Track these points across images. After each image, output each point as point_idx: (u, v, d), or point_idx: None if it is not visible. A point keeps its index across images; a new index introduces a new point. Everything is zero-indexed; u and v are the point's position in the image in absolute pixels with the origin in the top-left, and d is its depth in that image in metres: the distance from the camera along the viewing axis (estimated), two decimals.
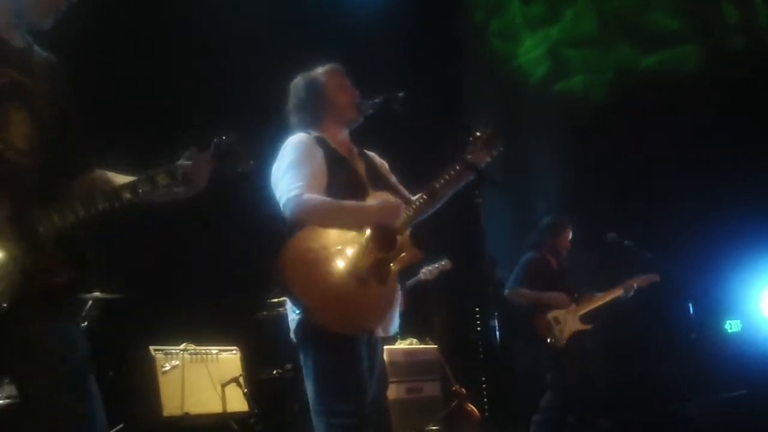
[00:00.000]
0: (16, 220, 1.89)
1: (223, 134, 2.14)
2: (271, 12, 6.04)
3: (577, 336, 5.30)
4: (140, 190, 2.04)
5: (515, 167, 6.98)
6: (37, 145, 2.00)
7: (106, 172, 2.23)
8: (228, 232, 5.60)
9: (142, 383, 4.82)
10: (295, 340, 2.79)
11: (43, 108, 2.04)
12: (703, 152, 6.78)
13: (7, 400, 3.88)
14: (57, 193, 2.04)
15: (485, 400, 6.44)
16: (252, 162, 2.18)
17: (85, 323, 4.62)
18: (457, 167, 2.90)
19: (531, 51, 8.25)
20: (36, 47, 2.14)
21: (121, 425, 4.50)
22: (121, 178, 2.18)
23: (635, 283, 5.50)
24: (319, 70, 3.05)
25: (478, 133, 2.96)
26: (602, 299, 5.47)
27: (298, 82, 3.06)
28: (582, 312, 5.37)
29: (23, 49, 2.08)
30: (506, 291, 5.45)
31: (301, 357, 2.78)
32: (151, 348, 4.88)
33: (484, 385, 6.54)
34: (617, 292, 5.49)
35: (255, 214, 2.87)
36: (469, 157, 2.93)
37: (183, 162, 2.09)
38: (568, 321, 5.29)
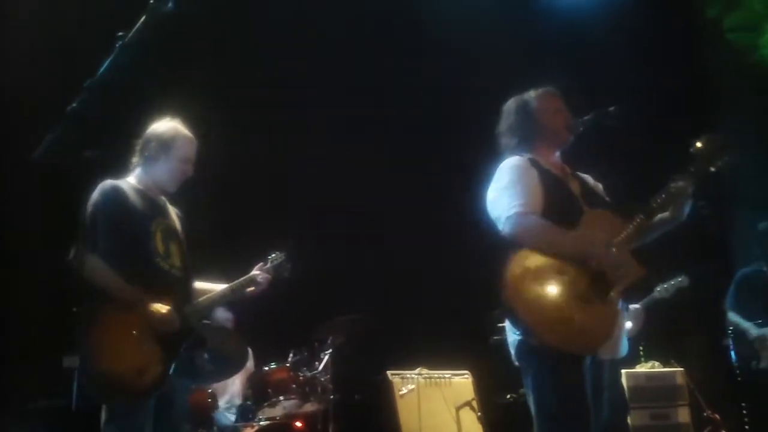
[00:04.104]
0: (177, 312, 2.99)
1: (273, 252, 3.41)
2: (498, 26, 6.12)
3: None
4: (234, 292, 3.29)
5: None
6: (185, 264, 3.19)
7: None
8: (458, 259, 5.70)
9: (383, 406, 5.07)
10: (517, 363, 2.78)
11: (183, 240, 3.26)
12: None
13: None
14: (191, 292, 3.22)
15: (746, 427, 5.85)
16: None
17: (330, 350, 4.97)
18: (678, 183, 2.72)
19: None
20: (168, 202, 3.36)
21: None
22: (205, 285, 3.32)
23: None
24: (532, 94, 3.02)
25: (698, 144, 2.76)
26: None
27: (509, 106, 3.06)
28: None
29: (164, 204, 3.29)
30: None
31: (523, 378, 2.76)
32: (389, 372, 5.12)
33: (743, 411, 5.95)
34: None
35: (485, 239, 2.92)
36: (692, 169, 2.74)
37: (255, 273, 3.32)
38: None
